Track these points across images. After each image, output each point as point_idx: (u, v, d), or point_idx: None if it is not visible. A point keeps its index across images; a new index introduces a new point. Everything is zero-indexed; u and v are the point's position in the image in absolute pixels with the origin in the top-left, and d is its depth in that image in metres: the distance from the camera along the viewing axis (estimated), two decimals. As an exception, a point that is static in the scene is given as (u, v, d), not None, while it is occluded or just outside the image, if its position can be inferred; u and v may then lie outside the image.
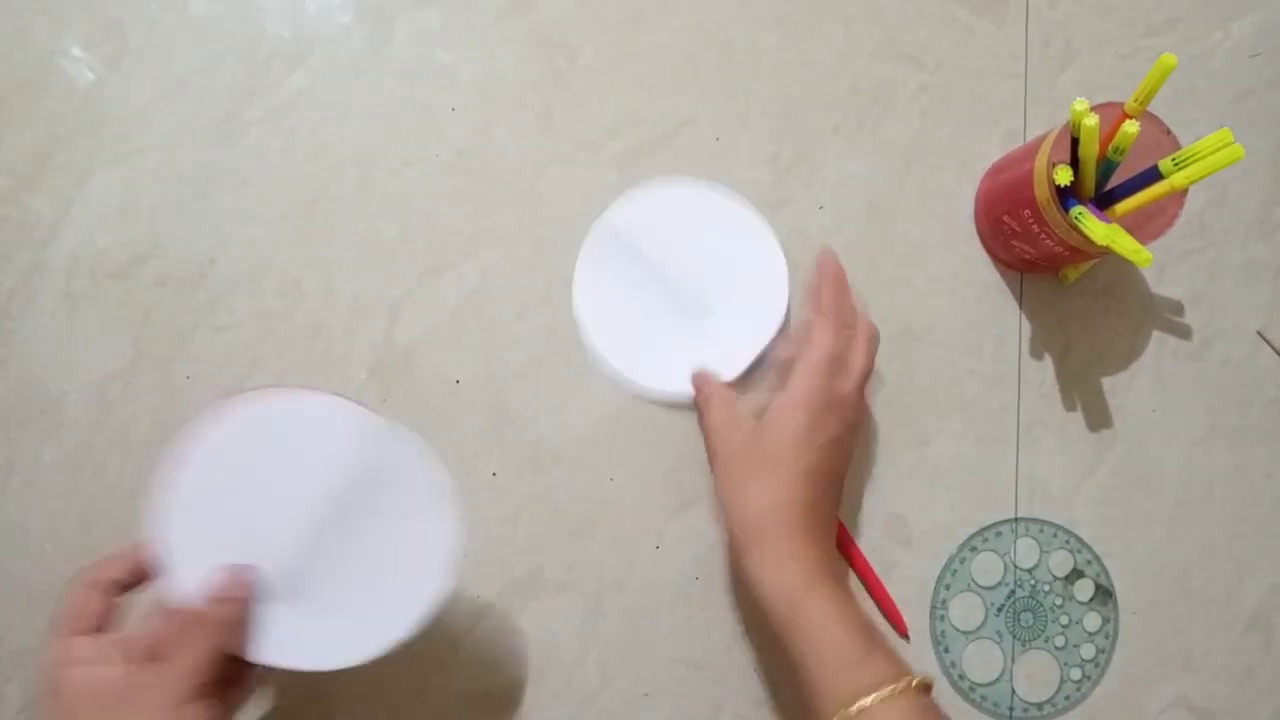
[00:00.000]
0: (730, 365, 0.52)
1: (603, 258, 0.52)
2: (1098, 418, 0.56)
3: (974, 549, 0.55)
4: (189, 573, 0.36)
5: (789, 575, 0.43)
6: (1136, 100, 0.45)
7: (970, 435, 0.55)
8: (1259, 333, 0.57)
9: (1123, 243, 0.44)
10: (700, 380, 0.51)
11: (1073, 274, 0.55)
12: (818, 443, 0.45)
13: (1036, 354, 0.55)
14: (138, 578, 0.39)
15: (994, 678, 0.55)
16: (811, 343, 0.46)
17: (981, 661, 0.54)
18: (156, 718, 0.35)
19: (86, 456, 0.50)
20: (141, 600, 0.39)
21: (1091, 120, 0.43)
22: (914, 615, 0.54)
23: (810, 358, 0.45)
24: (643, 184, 0.53)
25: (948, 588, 0.54)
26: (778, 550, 0.43)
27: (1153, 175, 0.45)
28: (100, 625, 0.38)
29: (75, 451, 0.50)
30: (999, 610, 0.55)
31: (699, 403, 0.51)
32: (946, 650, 0.54)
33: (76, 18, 0.50)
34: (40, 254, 0.50)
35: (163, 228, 0.50)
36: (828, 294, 0.48)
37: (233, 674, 0.38)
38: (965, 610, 0.54)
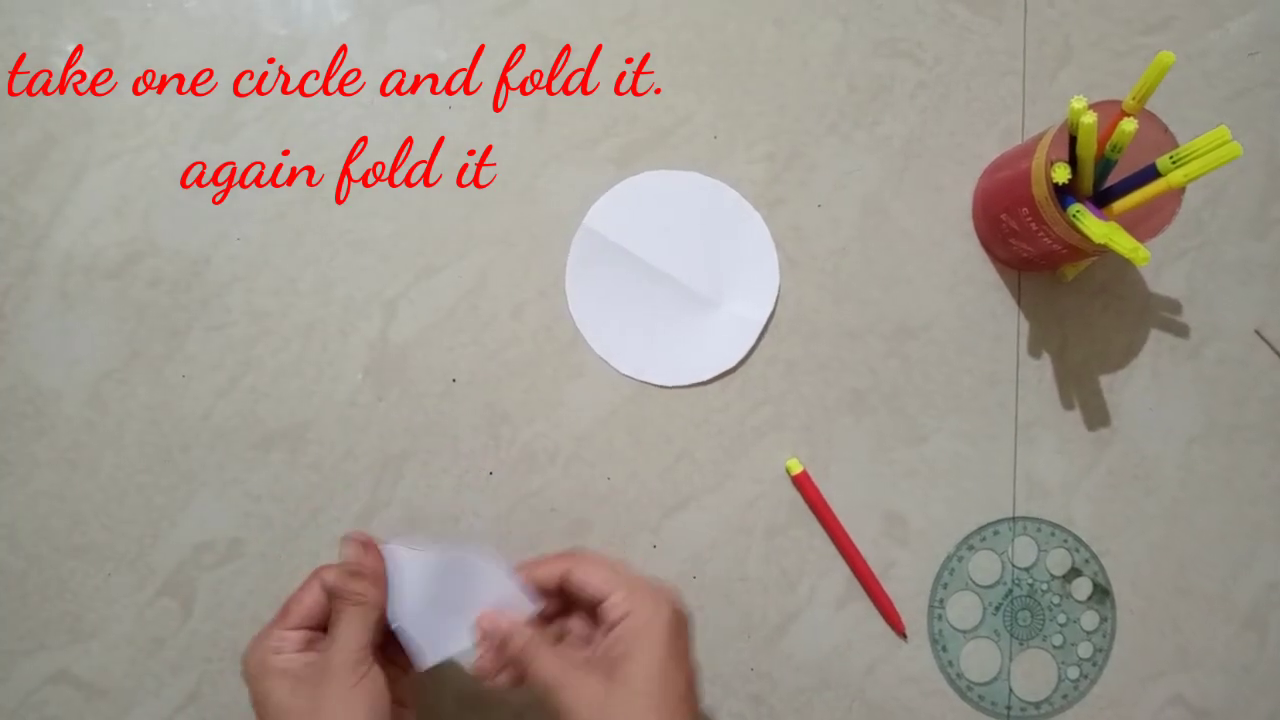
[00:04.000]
0: (731, 345, 0.53)
1: (588, 262, 0.53)
2: (1095, 416, 0.56)
3: (971, 548, 0.55)
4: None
5: None
6: (1134, 98, 0.44)
7: (968, 434, 0.55)
8: (1257, 331, 0.57)
9: (1120, 241, 0.44)
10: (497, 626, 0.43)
11: (1070, 272, 0.55)
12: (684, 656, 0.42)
13: (1034, 352, 0.55)
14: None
15: (992, 677, 0.55)
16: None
17: (979, 660, 0.54)
18: (330, 687, 0.39)
19: (80, 456, 0.49)
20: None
21: (1089, 118, 0.43)
22: (911, 614, 0.54)
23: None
24: (612, 186, 0.53)
25: (945, 586, 0.54)
26: None
27: (1150, 173, 0.45)
28: (312, 620, 0.42)
29: (69, 451, 0.49)
30: (996, 609, 0.55)
31: (519, 656, 0.41)
32: (944, 649, 0.54)
33: (70, 16, 0.50)
34: (34, 253, 0.50)
35: (157, 226, 0.50)
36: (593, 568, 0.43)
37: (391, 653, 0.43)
38: (963, 609, 0.54)
